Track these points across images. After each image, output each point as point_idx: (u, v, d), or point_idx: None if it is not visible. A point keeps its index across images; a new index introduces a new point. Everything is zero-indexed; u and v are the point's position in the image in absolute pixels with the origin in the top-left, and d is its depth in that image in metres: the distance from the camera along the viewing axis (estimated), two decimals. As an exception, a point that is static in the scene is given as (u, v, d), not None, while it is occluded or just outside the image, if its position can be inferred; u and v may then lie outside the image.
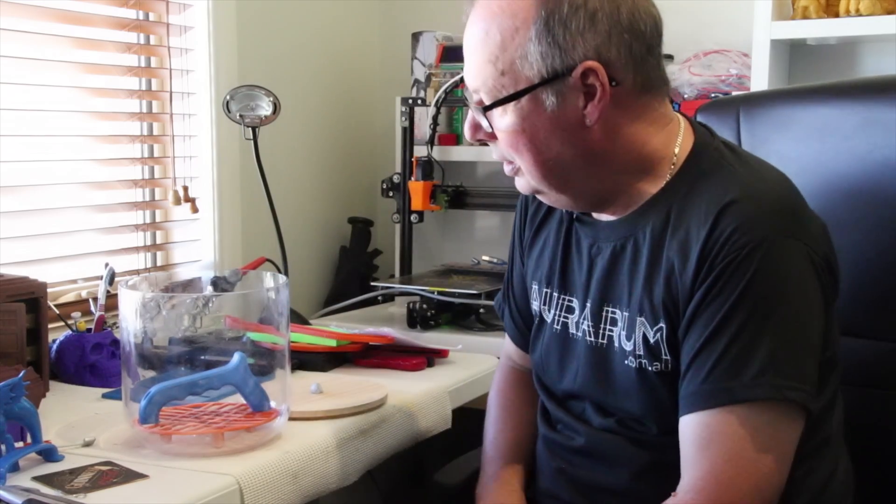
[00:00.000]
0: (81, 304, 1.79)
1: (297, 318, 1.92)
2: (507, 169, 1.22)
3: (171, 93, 2.10)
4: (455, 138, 2.46)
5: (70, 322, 1.64)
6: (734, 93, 2.04)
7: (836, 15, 2.00)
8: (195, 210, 2.12)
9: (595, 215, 1.25)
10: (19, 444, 1.21)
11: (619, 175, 1.18)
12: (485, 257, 2.44)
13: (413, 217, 2.42)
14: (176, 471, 1.18)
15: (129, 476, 1.16)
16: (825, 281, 1.11)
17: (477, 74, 1.16)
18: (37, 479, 1.15)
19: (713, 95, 2.07)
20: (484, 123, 1.18)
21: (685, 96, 2.12)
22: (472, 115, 1.20)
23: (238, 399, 1.31)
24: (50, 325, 1.58)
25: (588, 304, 1.23)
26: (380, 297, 2.41)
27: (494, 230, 2.60)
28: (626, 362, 1.17)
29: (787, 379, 1.06)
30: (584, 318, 1.24)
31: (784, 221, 1.10)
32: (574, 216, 1.28)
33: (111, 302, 1.51)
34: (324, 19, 2.55)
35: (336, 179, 2.63)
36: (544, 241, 1.33)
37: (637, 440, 1.19)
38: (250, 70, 2.22)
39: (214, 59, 2.13)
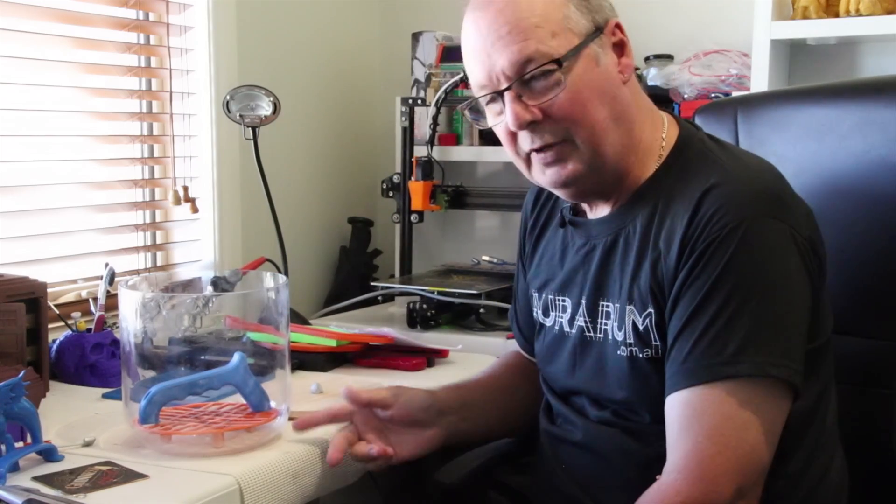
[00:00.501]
0: (81, 304, 1.79)
1: (297, 318, 1.92)
2: (548, 156, 1.18)
3: (171, 93, 2.10)
4: (455, 138, 2.46)
5: (70, 322, 1.64)
6: (734, 93, 2.04)
7: (836, 15, 2.00)
8: (195, 210, 2.12)
9: (588, 213, 1.27)
10: (19, 444, 1.21)
11: (629, 153, 1.20)
12: (485, 257, 2.44)
13: (413, 217, 2.42)
14: (176, 471, 1.18)
15: (129, 476, 1.16)
16: (809, 262, 1.12)
17: (522, 48, 1.14)
18: (37, 479, 1.15)
19: (713, 95, 2.07)
20: (535, 100, 1.15)
21: (685, 96, 2.12)
22: (511, 102, 1.16)
23: (238, 399, 1.31)
24: (50, 325, 1.58)
25: (584, 301, 1.25)
26: (380, 297, 2.41)
27: (494, 230, 2.60)
28: (618, 352, 1.19)
29: (769, 356, 1.07)
30: (579, 315, 1.25)
31: (765, 203, 1.11)
32: (568, 220, 1.30)
33: (111, 302, 1.51)
34: (324, 19, 2.55)
35: (336, 179, 2.63)
36: (543, 249, 1.36)
37: (632, 431, 1.19)
38: (250, 70, 2.22)
39: (214, 59, 2.13)
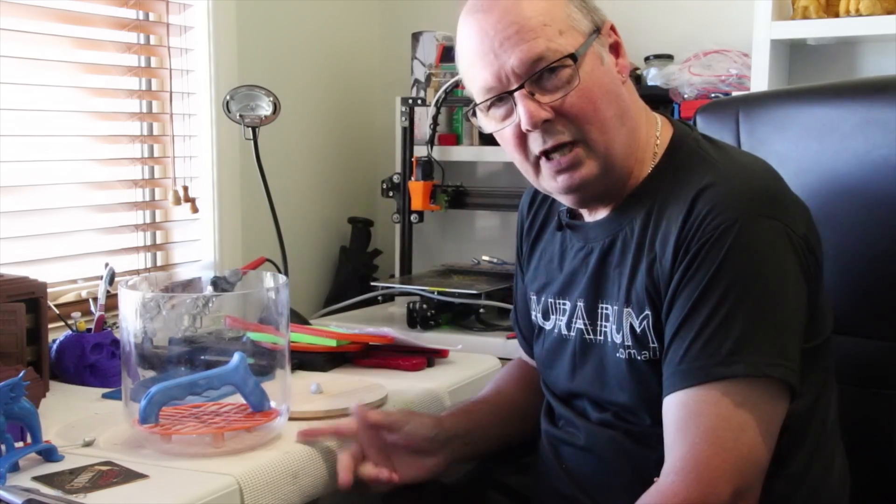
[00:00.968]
0: (81, 304, 1.79)
1: (297, 318, 1.92)
2: (561, 162, 1.16)
3: (171, 93, 2.10)
4: (455, 138, 2.47)
5: (70, 322, 1.64)
6: (734, 93, 2.04)
7: (836, 15, 2.00)
8: (195, 210, 2.12)
9: (585, 216, 1.27)
10: (19, 444, 1.21)
11: (632, 153, 1.20)
12: (485, 257, 2.45)
13: (413, 217, 2.42)
14: (176, 471, 1.18)
15: (129, 476, 1.16)
16: (805, 260, 1.11)
17: (533, 46, 1.13)
18: (37, 479, 1.14)
19: (713, 95, 2.07)
20: (546, 99, 1.14)
21: (685, 96, 2.12)
22: (524, 100, 1.14)
23: (238, 399, 1.31)
24: (50, 325, 1.58)
25: (582, 304, 1.24)
26: (380, 297, 2.41)
27: (494, 230, 2.60)
28: (617, 355, 1.19)
29: (764, 355, 1.06)
30: (577, 318, 1.25)
31: (760, 201, 1.11)
32: (565, 223, 1.30)
33: (111, 302, 1.51)
34: (324, 19, 2.55)
35: (336, 179, 2.63)
36: (541, 252, 1.36)
37: (632, 433, 1.19)
38: (250, 70, 2.22)
39: (214, 59, 2.13)
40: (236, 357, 1.26)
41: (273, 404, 1.29)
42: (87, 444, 1.27)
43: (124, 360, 1.28)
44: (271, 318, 1.31)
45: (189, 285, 1.47)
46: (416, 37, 2.48)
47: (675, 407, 1.09)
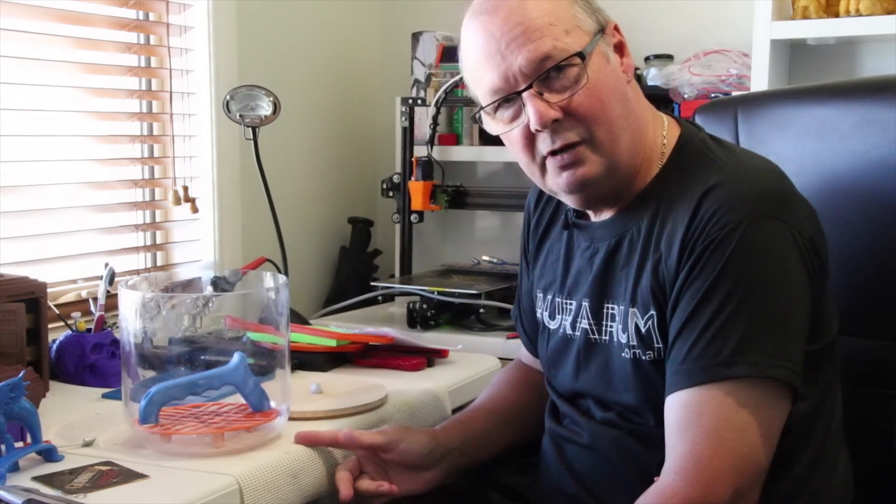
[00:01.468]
0: (81, 304, 1.79)
1: (297, 318, 1.92)
2: (565, 158, 1.16)
3: (171, 93, 2.10)
4: (455, 138, 2.47)
5: (70, 322, 1.64)
6: (734, 93, 2.04)
7: (836, 15, 2.00)
8: (195, 210, 2.12)
9: (592, 216, 1.27)
10: (19, 444, 1.21)
11: (638, 153, 1.19)
12: (485, 257, 2.45)
13: (413, 217, 2.42)
14: (176, 471, 1.18)
15: (129, 476, 1.16)
16: (810, 262, 1.11)
17: (539, 45, 1.13)
18: (37, 479, 1.14)
19: (713, 95, 2.07)
20: (554, 97, 1.14)
21: (685, 96, 2.12)
22: (533, 100, 1.14)
23: (238, 399, 1.31)
24: (50, 325, 1.58)
25: (587, 303, 1.24)
26: (380, 297, 2.41)
27: (494, 230, 2.60)
28: (622, 355, 1.19)
29: (767, 356, 1.06)
30: (582, 318, 1.25)
31: (765, 202, 1.11)
32: (572, 222, 1.30)
33: (111, 302, 1.51)
34: (324, 19, 2.55)
35: (336, 179, 2.63)
36: (548, 250, 1.35)
37: (636, 433, 1.19)
38: (250, 70, 2.22)
39: (214, 59, 2.13)
40: (236, 357, 1.26)
41: (273, 404, 1.29)
42: (87, 444, 1.27)
43: (124, 360, 1.28)
44: (271, 318, 1.31)
45: (189, 285, 1.47)
46: (416, 37, 2.48)
47: (677, 406, 1.09)
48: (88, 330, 1.64)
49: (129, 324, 1.26)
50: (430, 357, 1.72)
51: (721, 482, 1.04)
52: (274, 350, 1.32)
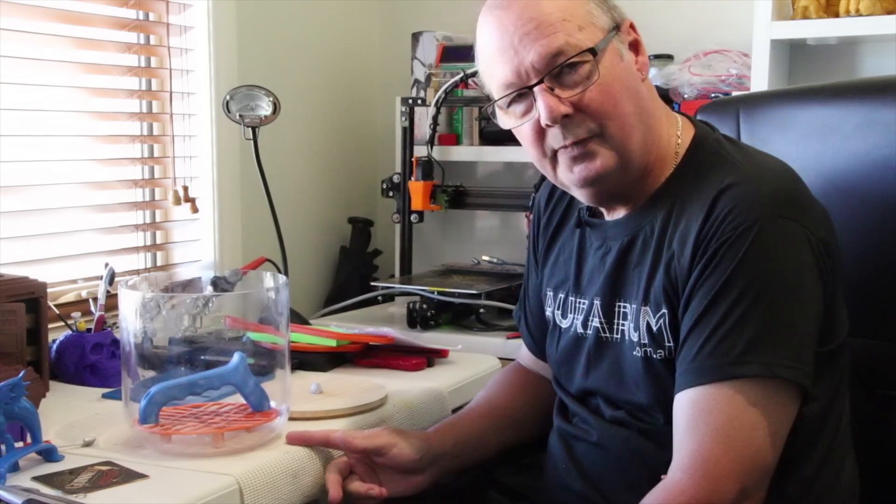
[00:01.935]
0: (81, 304, 1.79)
1: (297, 318, 1.92)
2: (576, 150, 1.16)
3: (171, 93, 2.10)
4: (455, 138, 2.46)
5: (70, 322, 1.64)
6: (734, 93, 2.04)
7: (836, 15, 2.00)
8: (195, 210, 2.12)
9: (605, 215, 1.27)
10: (19, 444, 1.21)
11: (650, 151, 1.19)
12: (485, 257, 2.44)
13: (413, 217, 2.42)
14: (176, 471, 1.18)
15: (129, 476, 1.16)
16: (823, 263, 1.11)
17: (552, 41, 1.13)
18: (37, 479, 1.14)
19: (713, 95, 2.07)
20: (565, 93, 1.14)
21: (685, 96, 2.12)
22: (544, 95, 1.14)
23: (238, 399, 1.31)
24: (50, 325, 1.58)
25: (599, 302, 1.24)
26: (380, 297, 2.41)
27: (494, 230, 2.60)
28: (633, 353, 1.19)
29: (778, 356, 1.06)
30: (593, 316, 1.25)
31: (780, 203, 1.11)
32: (585, 220, 1.29)
33: (111, 302, 1.51)
34: (324, 19, 2.55)
35: (336, 179, 2.63)
36: (559, 248, 1.35)
37: (646, 432, 1.19)
38: (250, 70, 2.22)
39: (214, 59, 2.13)
40: (236, 357, 1.26)
41: (273, 404, 1.29)
42: (87, 444, 1.27)
43: (124, 360, 1.28)
44: (271, 318, 1.31)
45: (189, 285, 1.46)
46: (416, 37, 2.48)
47: (686, 404, 1.09)
48: (88, 330, 1.64)
49: (129, 324, 1.26)
50: (430, 357, 1.72)
51: (728, 481, 1.04)
52: (274, 350, 1.32)
